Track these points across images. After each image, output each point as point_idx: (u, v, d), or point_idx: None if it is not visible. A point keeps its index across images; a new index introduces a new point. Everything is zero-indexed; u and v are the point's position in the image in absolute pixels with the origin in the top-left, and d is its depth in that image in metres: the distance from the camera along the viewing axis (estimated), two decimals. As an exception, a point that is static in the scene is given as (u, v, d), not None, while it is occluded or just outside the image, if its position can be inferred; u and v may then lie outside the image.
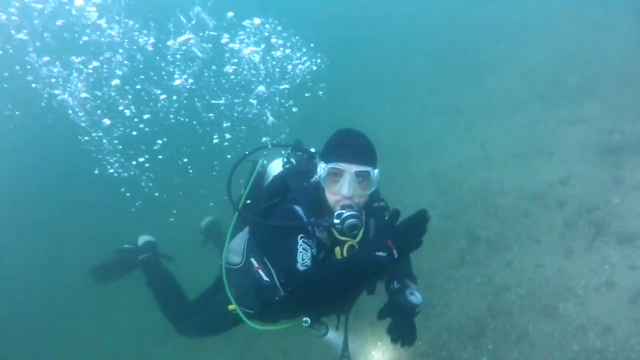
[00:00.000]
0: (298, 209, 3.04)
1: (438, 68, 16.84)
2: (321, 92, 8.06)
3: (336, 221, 2.80)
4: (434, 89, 15.56)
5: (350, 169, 2.83)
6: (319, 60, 6.72)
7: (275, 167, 3.79)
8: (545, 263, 7.07)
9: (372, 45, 21.25)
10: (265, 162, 4.01)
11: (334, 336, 3.35)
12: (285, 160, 3.65)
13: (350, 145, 2.93)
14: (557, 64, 13.77)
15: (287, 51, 6.16)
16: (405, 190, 11.18)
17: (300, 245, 2.78)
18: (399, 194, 10.82)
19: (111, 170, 8.23)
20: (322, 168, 2.96)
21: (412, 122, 14.10)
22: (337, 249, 3.08)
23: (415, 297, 3.11)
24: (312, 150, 3.79)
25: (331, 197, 2.96)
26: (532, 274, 6.95)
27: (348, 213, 2.79)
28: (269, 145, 4.00)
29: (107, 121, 7.46)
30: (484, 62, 15.57)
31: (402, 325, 3.08)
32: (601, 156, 8.83)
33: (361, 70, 19.23)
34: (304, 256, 2.74)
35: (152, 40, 6.73)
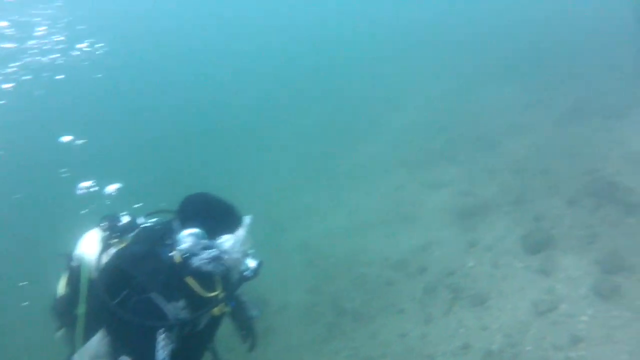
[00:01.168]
0: (155, 296, 3.51)
1: (311, 135, 19.80)
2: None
3: (252, 268, 3.85)
4: (306, 156, 18.16)
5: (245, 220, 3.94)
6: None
7: (91, 249, 4.02)
8: (408, 332, 8.72)
9: (247, 111, 24.40)
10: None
11: None
12: (105, 234, 4.01)
13: (233, 203, 4.06)
14: (422, 129, 17.13)
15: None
16: (273, 264, 12.50)
17: (160, 341, 3.36)
18: (266, 267, 12.14)
19: None
20: (234, 239, 3.87)
21: (283, 190, 16.24)
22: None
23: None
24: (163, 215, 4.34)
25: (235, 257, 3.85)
26: (396, 344, 8.52)
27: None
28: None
29: None
30: (356, 129, 18.83)
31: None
32: (458, 219, 11.11)
33: (231, 136, 21.63)
34: (162, 354, 3.34)
35: None
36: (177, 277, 3.62)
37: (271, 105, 24.25)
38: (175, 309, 3.55)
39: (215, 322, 3.96)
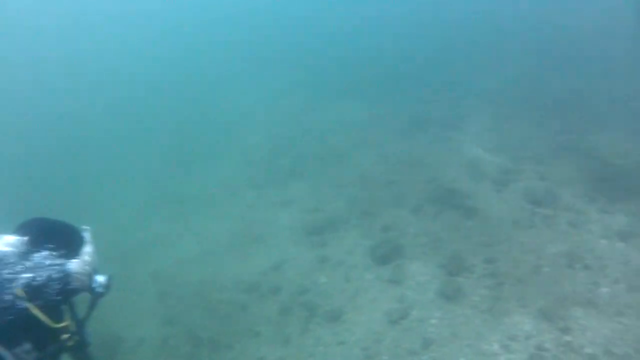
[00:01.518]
0: None
1: (158, 162, 19.19)
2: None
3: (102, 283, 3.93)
4: (154, 183, 17.45)
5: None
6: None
7: None
8: (266, 355, 9.01)
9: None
10: None
11: None
12: None
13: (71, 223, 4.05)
14: (270, 147, 17.75)
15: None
16: (124, 299, 12.06)
17: None
18: (118, 302, 11.71)
19: None
20: (80, 258, 3.84)
21: (132, 220, 15.75)
22: None
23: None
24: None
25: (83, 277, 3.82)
26: (254, 369, 8.71)
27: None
28: None
29: None
30: (204, 151, 18.77)
31: None
32: (308, 236, 11.72)
33: (72, 165, 20.24)
34: None
35: None
36: (19, 314, 3.40)
37: (113, 132, 23.16)
38: (19, 356, 3.38)
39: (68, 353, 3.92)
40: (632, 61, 18.22)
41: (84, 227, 4.06)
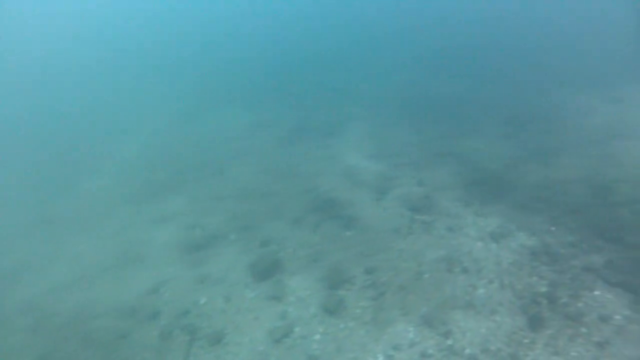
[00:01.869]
0: None
1: (24, 179, 17.64)
2: None
3: None
4: (20, 200, 16.09)
5: None
6: None
7: None
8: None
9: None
10: None
11: None
12: None
13: None
14: (148, 160, 16.65)
15: None
16: None
17: None
18: None
19: None
20: None
21: None
22: None
23: None
24: None
25: None
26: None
27: None
28: None
29: None
30: (77, 166, 17.19)
31: None
32: (186, 254, 10.94)
33: None
34: None
35: None
36: None
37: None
38: None
39: None
40: (511, 70, 19.37)
41: None
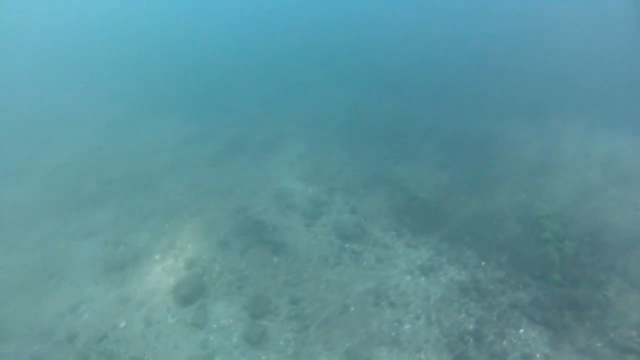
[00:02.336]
0: None
1: None
2: None
3: None
4: None
5: None
6: None
7: None
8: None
9: None
10: None
11: None
12: None
13: None
14: (76, 169, 15.43)
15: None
16: None
17: None
18: None
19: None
20: None
21: None
22: None
23: None
24: None
25: None
26: None
27: None
28: None
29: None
30: (2, 171, 16.13)
31: None
32: (108, 274, 10.24)
33: None
34: None
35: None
36: None
37: None
38: None
39: None
40: (457, 92, 19.52)
41: None
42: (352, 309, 8.69)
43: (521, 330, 8.09)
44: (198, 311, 9.01)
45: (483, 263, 9.63)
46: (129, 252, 10.94)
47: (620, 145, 15.18)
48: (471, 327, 8.21)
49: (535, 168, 13.53)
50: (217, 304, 9.09)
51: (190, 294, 9.33)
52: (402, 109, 17.85)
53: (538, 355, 7.58)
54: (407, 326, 8.30)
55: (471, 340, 7.97)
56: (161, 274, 10.09)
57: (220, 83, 21.71)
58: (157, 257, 10.59)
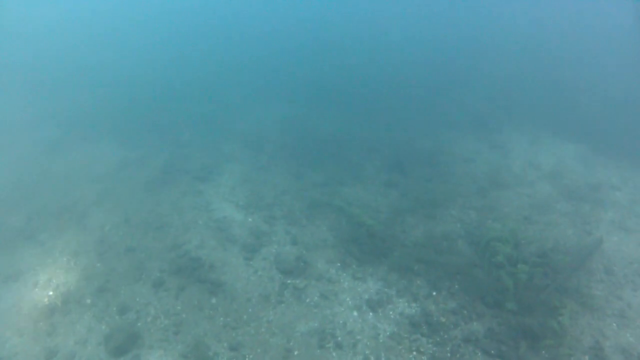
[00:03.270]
0: None
1: None
2: None
3: None
4: None
5: None
6: None
7: None
8: None
9: None
10: None
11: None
12: None
13: None
14: (2, 201, 14.06)
15: None
16: None
17: None
18: None
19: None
20: None
21: None
22: None
23: None
24: None
25: None
26: None
27: None
28: None
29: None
30: None
31: None
32: (35, 322, 9.22)
33: None
34: None
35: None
36: None
37: None
38: None
39: None
40: (401, 107, 19.20)
41: None
42: (296, 352, 8.08)
43: (477, 366, 7.69)
44: (132, 362, 8.20)
45: (434, 293, 9.18)
46: (58, 295, 9.99)
47: (568, 155, 15.13)
48: (423, 366, 7.74)
49: (485, 183, 13.28)
50: (152, 352, 8.32)
51: (124, 342, 8.51)
52: (347, 125, 17.39)
53: (493, 393, 7.16)
54: (354, 370, 7.74)
55: (424, 381, 7.50)
56: (92, 321, 9.20)
57: (158, 100, 20.79)
58: (88, 301, 9.70)
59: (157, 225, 11.51)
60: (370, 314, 8.74)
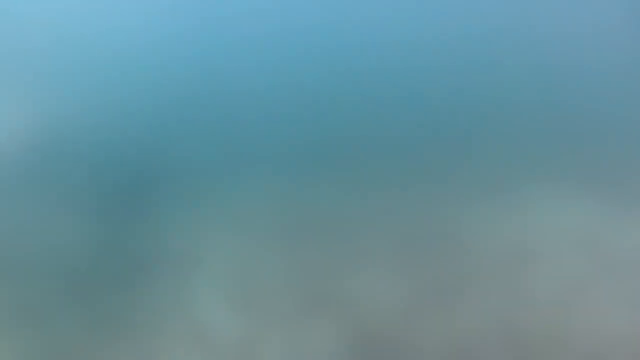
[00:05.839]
0: None
1: None
2: None
3: None
4: None
5: None
6: None
7: None
8: None
9: None
10: None
11: None
12: None
13: None
14: None
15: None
16: None
17: None
18: None
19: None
20: None
21: None
22: None
23: None
24: None
25: None
26: None
27: None
28: None
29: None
30: None
31: None
32: None
33: None
34: None
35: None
36: None
37: None
38: None
39: None
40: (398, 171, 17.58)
41: None
42: None
43: None
44: None
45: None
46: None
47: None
48: None
49: (508, 259, 11.90)
50: None
51: None
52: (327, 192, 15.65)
53: None
54: None
55: None
56: None
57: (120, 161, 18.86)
58: None
59: (124, 337, 9.75)
60: None
